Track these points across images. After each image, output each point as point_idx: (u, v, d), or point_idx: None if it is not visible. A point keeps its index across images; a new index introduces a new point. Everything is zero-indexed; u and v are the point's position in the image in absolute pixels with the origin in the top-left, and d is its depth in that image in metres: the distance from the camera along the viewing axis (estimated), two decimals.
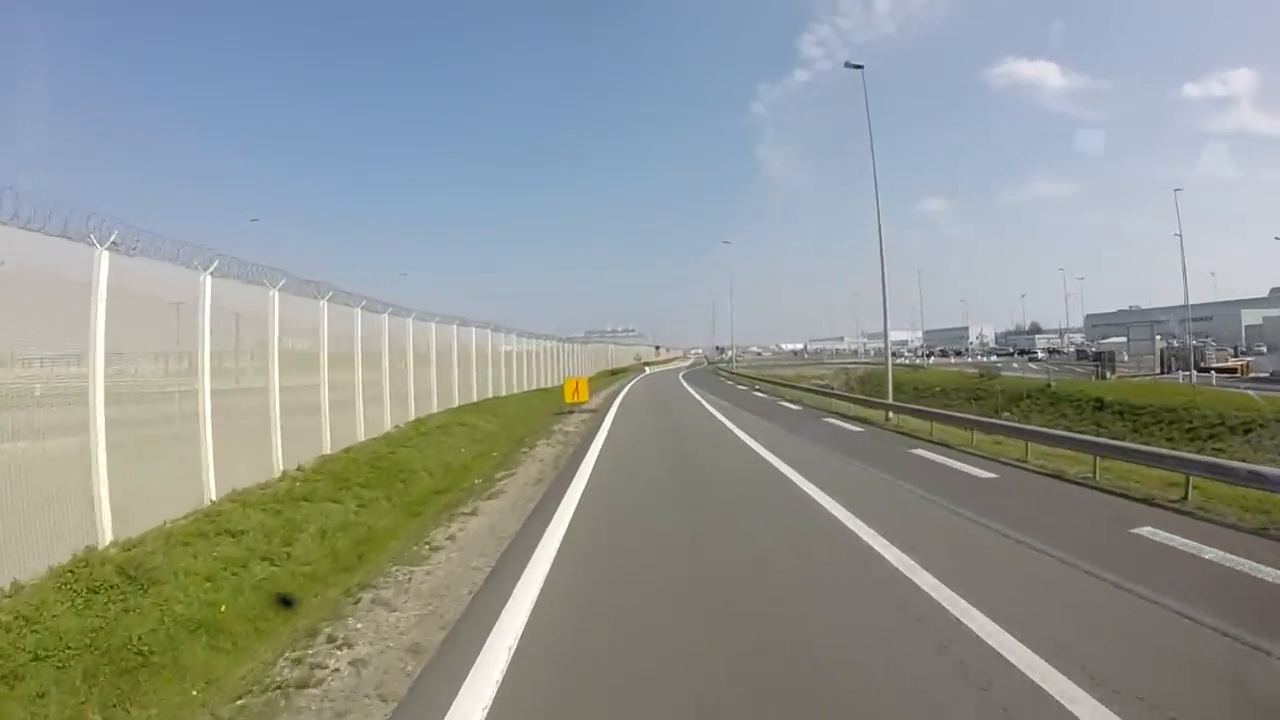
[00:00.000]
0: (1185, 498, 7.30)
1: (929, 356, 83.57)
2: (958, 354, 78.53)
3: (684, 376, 50.93)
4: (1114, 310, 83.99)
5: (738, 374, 49.33)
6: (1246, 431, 15.57)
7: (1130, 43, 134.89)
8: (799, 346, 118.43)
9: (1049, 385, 27.19)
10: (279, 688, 3.45)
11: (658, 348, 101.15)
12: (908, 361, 68.48)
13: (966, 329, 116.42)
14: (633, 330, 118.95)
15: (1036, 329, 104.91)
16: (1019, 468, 9.84)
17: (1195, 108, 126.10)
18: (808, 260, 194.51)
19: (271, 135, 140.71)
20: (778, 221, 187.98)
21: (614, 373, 51.79)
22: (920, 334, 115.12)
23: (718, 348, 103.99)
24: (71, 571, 4.24)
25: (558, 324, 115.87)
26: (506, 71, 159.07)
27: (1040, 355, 64.78)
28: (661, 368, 74.56)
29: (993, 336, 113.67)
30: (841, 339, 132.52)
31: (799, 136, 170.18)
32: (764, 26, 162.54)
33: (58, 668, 3.41)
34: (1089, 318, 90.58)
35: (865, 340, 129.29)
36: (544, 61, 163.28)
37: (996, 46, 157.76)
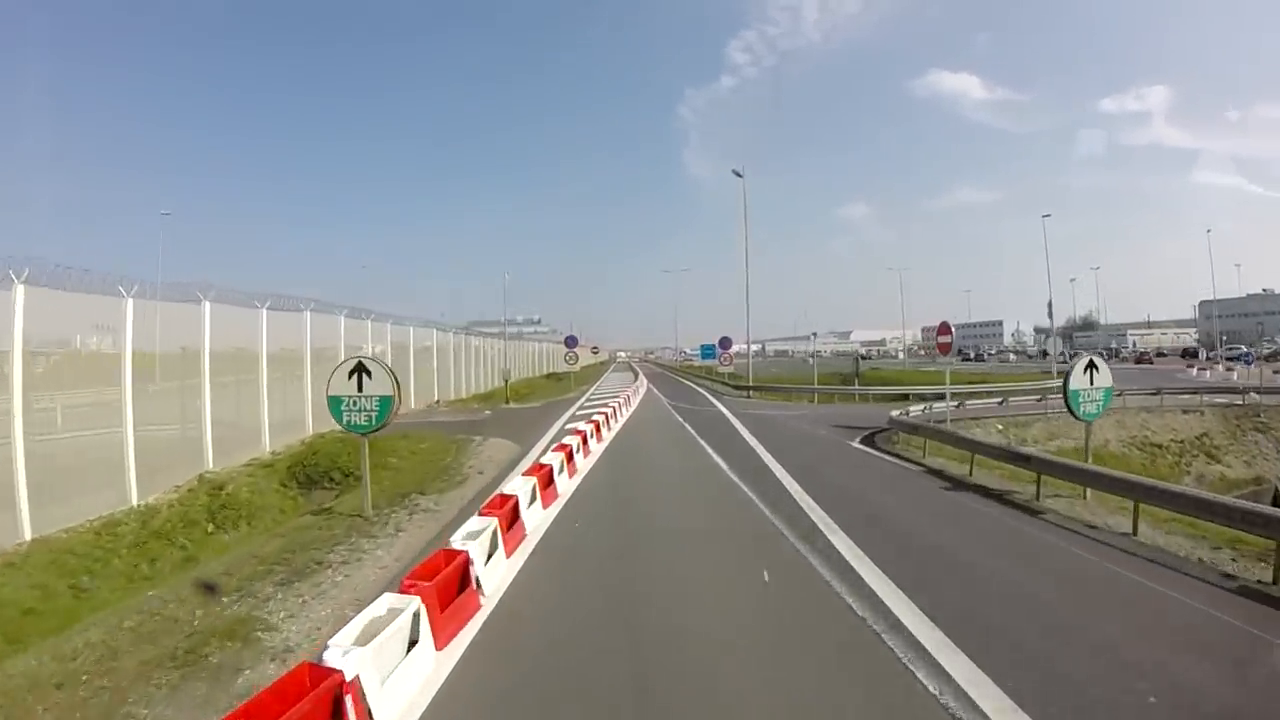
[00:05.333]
0: None
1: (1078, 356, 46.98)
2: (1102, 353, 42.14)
3: None
4: (1242, 295, 66.94)
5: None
6: None
7: None
8: (756, 348, 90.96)
9: None
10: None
11: (570, 343, 36.90)
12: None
13: (1000, 323, 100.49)
14: (537, 321, 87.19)
15: (1090, 323, 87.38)
16: None
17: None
18: (751, 260, 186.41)
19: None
20: (713, 223, 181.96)
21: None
22: (918, 332, 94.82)
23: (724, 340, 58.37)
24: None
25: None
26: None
27: None
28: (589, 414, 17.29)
29: (1030, 333, 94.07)
30: (812, 336, 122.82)
31: (728, 140, 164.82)
32: (692, 33, 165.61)
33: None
34: (1203, 304, 73.24)
35: (836, 339, 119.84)
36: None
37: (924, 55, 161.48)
